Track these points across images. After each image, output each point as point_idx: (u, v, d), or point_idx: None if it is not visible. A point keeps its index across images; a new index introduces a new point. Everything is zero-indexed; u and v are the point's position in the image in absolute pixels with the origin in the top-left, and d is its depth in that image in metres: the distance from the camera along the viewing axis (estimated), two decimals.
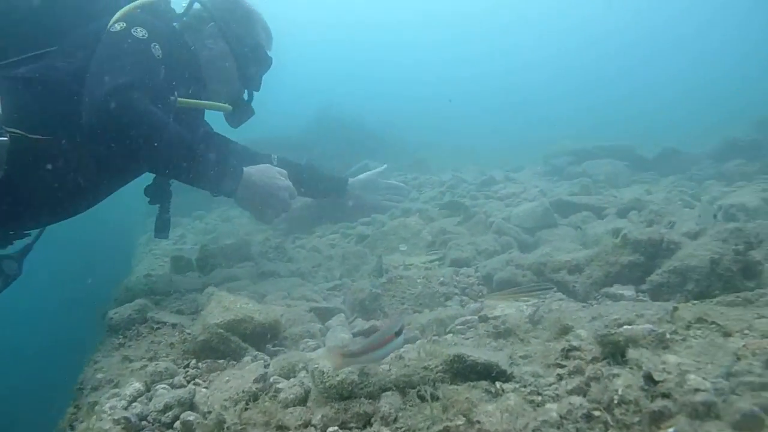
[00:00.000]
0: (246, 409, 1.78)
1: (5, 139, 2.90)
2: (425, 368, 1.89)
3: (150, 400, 2.11)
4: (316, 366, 1.84)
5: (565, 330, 2.26)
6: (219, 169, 3.59)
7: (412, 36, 45.16)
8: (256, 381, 2.01)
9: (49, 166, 3.14)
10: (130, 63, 3.12)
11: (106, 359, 2.69)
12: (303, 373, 2.24)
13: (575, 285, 3.21)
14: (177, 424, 1.90)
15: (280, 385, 2.05)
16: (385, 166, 5.50)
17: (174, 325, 3.01)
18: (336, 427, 1.67)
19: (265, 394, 1.99)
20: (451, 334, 2.63)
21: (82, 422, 2.19)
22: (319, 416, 1.71)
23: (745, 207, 4.17)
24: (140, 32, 3.26)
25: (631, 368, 1.63)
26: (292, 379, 2.11)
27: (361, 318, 3.08)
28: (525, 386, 1.74)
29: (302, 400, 1.91)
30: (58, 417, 2.42)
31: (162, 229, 4.29)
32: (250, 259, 4.57)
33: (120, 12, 3.34)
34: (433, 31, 44.93)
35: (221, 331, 2.50)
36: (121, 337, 3.00)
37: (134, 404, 2.05)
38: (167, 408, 1.94)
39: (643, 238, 3.18)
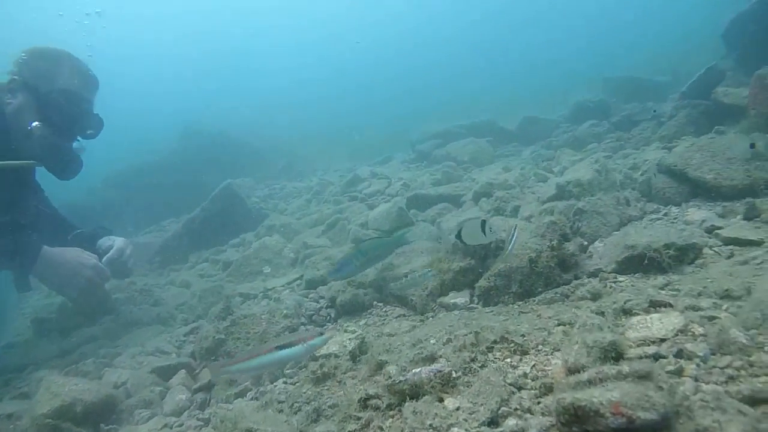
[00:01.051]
0: None
1: None
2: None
3: None
4: None
5: (380, 366, 2.36)
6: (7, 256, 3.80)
7: (265, 40, 44.71)
8: None
9: None
10: None
11: None
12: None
13: (413, 298, 3.27)
14: None
15: None
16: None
17: (9, 416, 2.97)
18: None
19: None
20: (282, 380, 2.71)
21: None
22: None
23: (580, 182, 4.37)
24: None
25: (401, 428, 1.72)
26: None
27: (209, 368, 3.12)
28: None
29: None
30: None
31: (22, 287, 4.21)
32: (112, 312, 4.51)
33: None
34: (282, 31, 44.70)
35: (49, 420, 2.49)
36: None
37: None
38: None
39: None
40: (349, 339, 2.77)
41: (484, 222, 2.74)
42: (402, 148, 9.37)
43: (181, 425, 2.52)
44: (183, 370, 3.08)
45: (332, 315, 3.53)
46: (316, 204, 6.71)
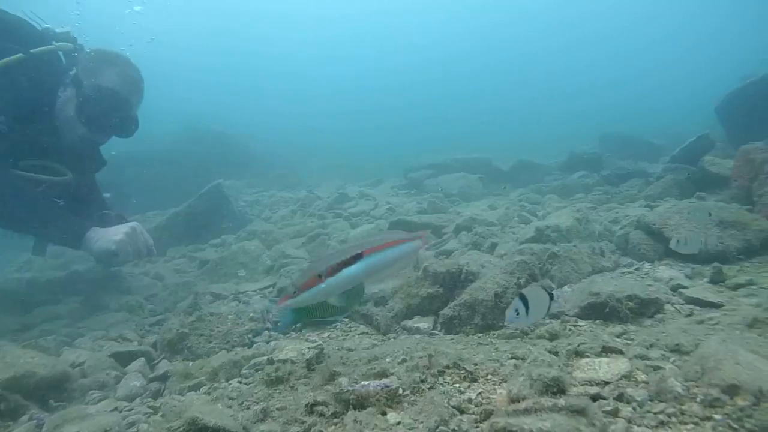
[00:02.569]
0: None
1: None
2: (168, 429, 1.99)
3: None
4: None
5: (333, 376, 2.40)
6: (60, 234, 4.14)
7: (286, 47, 44.87)
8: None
9: None
10: None
11: None
12: (74, 428, 2.30)
13: (377, 318, 3.31)
14: None
15: None
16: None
17: None
18: None
19: None
20: (237, 379, 2.73)
21: None
22: None
23: (559, 228, 4.44)
24: None
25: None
26: None
27: (167, 359, 3.14)
28: None
29: None
30: None
31: (40, 250, 4.66)
32: (80, 294, 4.51)
33: None
34: (302, 40, 44.95)
35: None
36: None
37: None
38: None
39: (442, 270, 3.33)
40: (309, 348, 2.80)
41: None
42: (394, 174, 9.45)
43: (130, 410, 2.52)
44: (142, 358, 3.08)
45: (298, 325, 3.53)
46: (301, 216, 6.74)
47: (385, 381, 2.08)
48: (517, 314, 2.12)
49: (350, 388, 1.97)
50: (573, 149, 9.27)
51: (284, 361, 2.64)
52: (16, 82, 4.06)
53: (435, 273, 3.37)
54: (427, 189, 8.22)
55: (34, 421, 2.38)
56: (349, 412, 1.86)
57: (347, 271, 1.87)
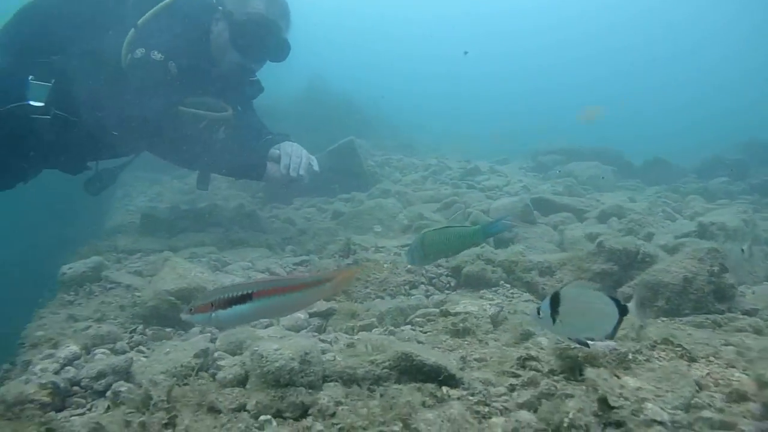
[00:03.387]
0: (179, 386, 1.68)
1: (48, 117, 3.98)
2: (372, 362, 1.81)
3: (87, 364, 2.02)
4: (256, 349, 1.75)
5: (526, 336, 2.19)
6: (242, 164, 4.29)
7: (411, 12, 44.21)
8: (196, 356, 1.92)
9: (78, 136, 4.10)
10: (153, 86, 3.92)
11: (52, 316, 2.59)
12: (248, 352, 2.17)
13: (544, 287, 3.14)
14: (109, 393, 1.82)
15: (222, 362, 1.97)
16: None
17: (128, 287, 2.91)
18: (269, 416, 1.59)
19: (205, 371, 1.91)
20: (409, 326, 2.56)
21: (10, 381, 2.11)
22: (254, 402, 1.62)
23: (725, 226, 4.11)
24: (157, 56, 3.93)
25: (586, 389, 1.56)
26: (237, 357, 2.03)
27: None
28: (473, 394, 1.65)
29: (241, 381, 1.82)
30: None
31: (203, 182, 4.84)
32: (221, 225, 4.46)
33: (131, 33, 4.00)
34: (433, 8, 44.15)
35: (171, 298, 2.41)
36: (72, 294, 2.91)
37: (68, 368, 1.95)
38: (101, 375, 1.85)
39: (619, 247, 3.12)
40: (489, 304, 2.58)
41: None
42: (521, 156, 9.10)
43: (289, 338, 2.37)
44: None
45: (452, 284, 3.33)
46: (432, 182, 6.55)
47: (610, 343, 1.85)
48: (539, 314, 1.71)
49: (575, 346, 1.74)
50: (714, 153, 8.69)
51: (467, 314, 2.43)
52: (172, 22, 4.11)
53: (611, 249, 3.15)
54: (555, 174, 7.87)
55: (207, 334, 2.26)
56: (588, 369, 1.63)
57: (236, 309, 1.76)
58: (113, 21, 4.11)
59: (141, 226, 4.54)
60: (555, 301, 1.68)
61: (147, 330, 2.37)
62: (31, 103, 3.96)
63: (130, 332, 2.36)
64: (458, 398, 1.64)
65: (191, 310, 1.78)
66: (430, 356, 1.73)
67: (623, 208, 4.97)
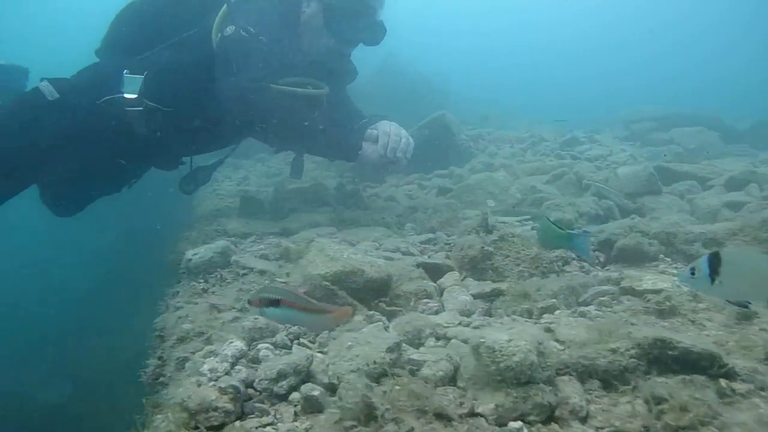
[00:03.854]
0: (389, 389, 1.38)
1: (140, 108, 3.89)
2: (613, 351, 1.47)
3: (254, 362, 1.74)
4: (482, 340, 1.43)
5: (746, 316, 1.83)
6: (336, 144, 4.02)
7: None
8: (389, 350, 1.61)
9: (173, 126, 4.04)
10: (245, 61, 3.78)
11: (191, 307, 2.32)
12: (432, 342, 1.85)
13: None
14: (295, 397, 1.53)
15: (415, 357, 1.66)
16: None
17: (262, 273, 2.64)
18: (520, 423, 1.27)
19: (401, 368, 1.61)
20: (592, 306, 2.21)
21: (169, 377, 1.85)
22: (492, 406, 1.31)
23: None
24: (248, 31, 3.83)
25: None
26: (428, 350, 1.73)
27: (471, 277, 2.66)
28: (763, 388, 1.31)
29: (451, 379, 1.52)
30: (126, 360, 2.10)
31: (297, 171, 4.63)
32: (329, 205, 4.19)
33: (224, 10, 4.00)
34: None
35: (327, 283, 2.11)
36: (201, 281, 2.65)
37: (237, 367, 1.67)
38: (281, 376, 1.56)
39: None
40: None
41: None
42: (608, 125, 8.60)
43: (466, 324, 2.05)
44: (456, 272, 2.63)
45: (601, 259, 2.96)
46: (532, 154, 6.16)
47: None
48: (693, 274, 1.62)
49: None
50: None
51: (658, 291, 2.10)
52: (266, 4, 4.06)
53: None
54: (653, 142, 7.38)
55: (380, 323, 1.95)
56: None
57: (272, 310, 1.71)
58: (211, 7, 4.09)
59: (241, 209, 4.30)
60: (714, 262, 1.58)
61: None
62: (125, 95, 3.88)
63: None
64: (750, 393, 1.30)
65: (250, 302, 1.75)
66: (694, 341, 1.39)
67: (756, 173, 4.50)
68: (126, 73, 3.93)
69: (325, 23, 4.09)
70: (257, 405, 1.51)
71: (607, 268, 2.89)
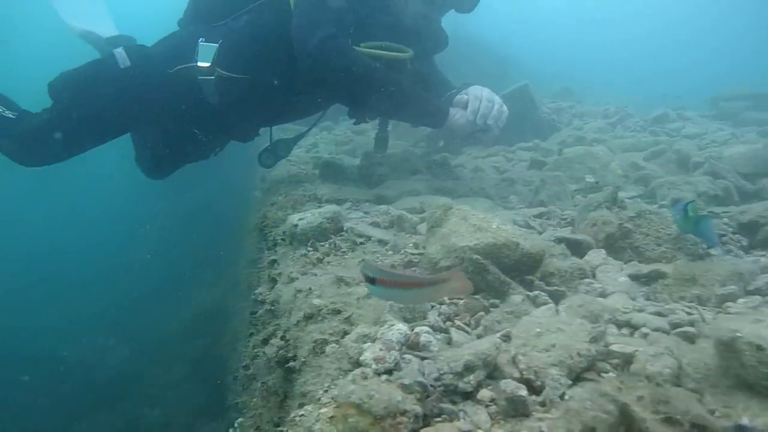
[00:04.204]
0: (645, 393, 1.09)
1: (212, 77, 3.79)
2: None
3: (413, 349, 1.46)
4: (737, 335, 1.14)
5: None
6: (421, 108, 3.75)
7: None
8: (593, 339, 1.32)
9: (246, 96, 3.92)
10: (324, 16, 3.56)
11: (311, 278, 2.05)
12: (613, 329, 1.57)
13: None
14: (486, 396, 1.24)
15: (615, 349, 1.37)
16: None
17: (382, 242, 2.36)
18: None
19: (606, 361, 1.32)
20: None
21: (303, 362, 1.58)
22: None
23: None
24: None
25: None
26: (622, 340, 1.43)
27: (609, 257, 2.36)
28: None
29: (676, 377, 1.24)
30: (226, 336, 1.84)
31: (381, 145, 4.30)
32: (420, 173, 3.92)
33: None
34: None
35: (477, 257, 1.82)
36: (311, 249, 2.39)
37: (406, 356, 1.39)
38: (468, 369, 1.27)
39: None
40: None
41: None
42: (690, 102, 8.12)
43: (641, 310, 1.75)
44: (602, 251, 2.32)
45: (744, 243, 2.64)
46: (622, 130, 5.80)
47: None
48: None
49: None
50: None
51: None
52: None
53: None
54: (744, 122, 6.92)
55: (551, 304, 1.67)
56: None
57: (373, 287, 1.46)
58: None
59: (322, 175, 4.07)
60: None
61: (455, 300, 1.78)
62: (198, 63, 3.79)
63: (440, 303, 1.78)
64: None
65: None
66: None
67: None
68: (201, 41, 3.85)
69: None
70: (443, 405, 1.23)
71: (751, 253, 2.56)
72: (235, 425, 3.29)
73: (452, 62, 8.81)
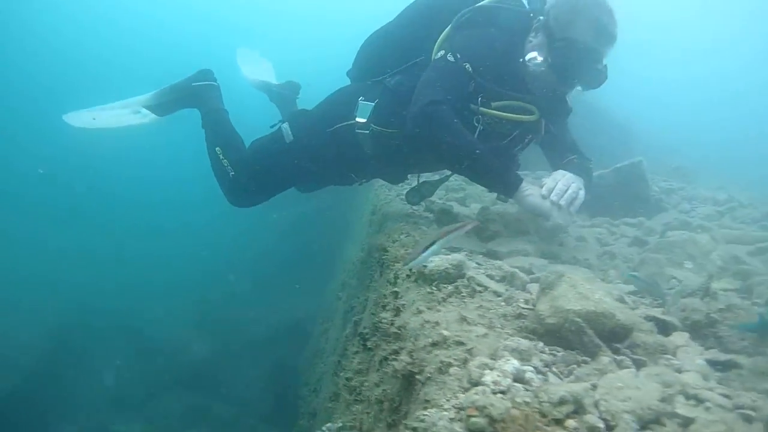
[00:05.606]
0: None
1: (367, 131, 4.44)
2: None
3: (520, 382, 1.87)
4: None
5: None
6: (495, 178, 4.20)
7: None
8: (663, 400, 1.70)
9: (396, 147, 4.48)
10: (441, 83, 4.01)
11: (438, 314, 2.50)
12: (681, 399, 1.91)
13: None
14: (571, 425, 1.64)
15: (680, 411, 1.73)
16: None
17: (496, 293, 2.78)
18: None
19: (670, 419, 1.69)
20: None
21: (427, 378, 2.02)
22: None
23: None
24: (453, 57, 4.08)
25: None
26: (685, 408, 1.78)
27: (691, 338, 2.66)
28: None
29: None
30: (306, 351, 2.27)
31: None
32: (528, 234, 4.27)
33: (444, 34, 4.27)
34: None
35: (578, 320, 2.21)
36: (435, 290, 2.83)
37: (516, 385, 1.81)
38: (562, 402, 1.68)
39: None
40: None
41: None
42: None
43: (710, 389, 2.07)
44: (687, 334, 2.63)
45: None
46: (730, 219, 5.87)
47: None
48: None
49: None
50: None
51: None
52: (487, 30, 4.22)
53: None
54: None
55: (632, 369, 2.03)
56: None
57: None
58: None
59: (437, 220, 4.51)
60: None
61: (554, 350, 2.19)
62: (357, 119, 4.45)
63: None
64: None
65: (411, 254, 2.76)
66: None
67: None
68: (361, 100, 4.48)
69: (548, 62, 4.12)
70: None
71: None
72: (324, 429, 3.74)
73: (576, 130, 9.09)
